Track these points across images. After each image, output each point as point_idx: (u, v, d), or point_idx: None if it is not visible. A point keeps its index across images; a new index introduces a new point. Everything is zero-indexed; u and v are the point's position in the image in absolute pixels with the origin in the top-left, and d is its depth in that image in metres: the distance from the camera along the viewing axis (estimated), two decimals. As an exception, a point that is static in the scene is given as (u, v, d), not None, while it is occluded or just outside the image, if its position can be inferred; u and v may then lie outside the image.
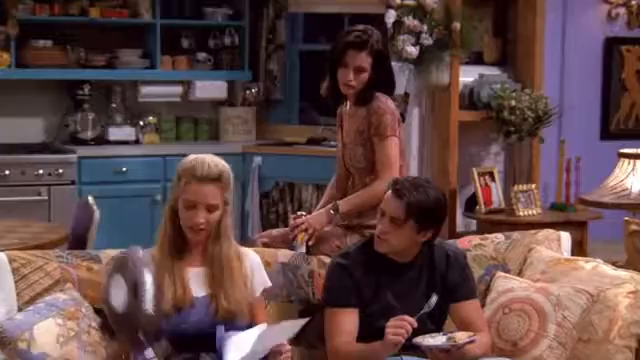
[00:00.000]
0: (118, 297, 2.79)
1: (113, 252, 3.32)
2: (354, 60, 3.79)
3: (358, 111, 3.87)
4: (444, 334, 3.12)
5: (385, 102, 3.82)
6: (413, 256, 3.26)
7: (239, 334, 2.97)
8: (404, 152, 3.96)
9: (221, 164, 3.04)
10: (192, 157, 3.05)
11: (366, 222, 3.76)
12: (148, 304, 2.77)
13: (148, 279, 2.80)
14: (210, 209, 2.99)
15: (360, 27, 3.87)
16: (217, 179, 2.99)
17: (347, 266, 3.22)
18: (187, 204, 2.98)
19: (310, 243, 3.73)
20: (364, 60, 3.79)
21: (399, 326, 2.99)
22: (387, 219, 3.19)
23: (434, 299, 3.18)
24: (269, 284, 3.21)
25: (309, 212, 3.96)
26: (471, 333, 3.13)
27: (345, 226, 3.83)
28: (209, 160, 3.02)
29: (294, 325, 2.95)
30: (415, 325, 3.00)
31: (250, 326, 3.03)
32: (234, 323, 3.01)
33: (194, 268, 3.06)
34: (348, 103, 3.96)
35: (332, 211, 3.80)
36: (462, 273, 3.32)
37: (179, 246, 3.05)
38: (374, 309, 3.21)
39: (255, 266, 3.17)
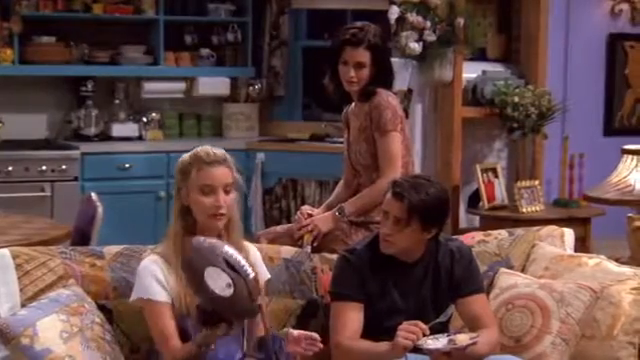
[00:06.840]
0: (220, 283, 2.71)
1: (116, 248, 3.32)
2: (353, 56, 3.80)
3: (362, 108, 3.88)
4: (447, 335, 3.09)
5: (386, 97, 3.83)
6: (419, 255, 3.25)
7: None
8: (410, 148, 3.95)
9: (220, 149, 3.09)
10: (190, 153, 3.07)
11: (373, 218, 3.76)
12: (248, 269, 2.74)
13: (228, 249, 2.76)
14: (226, 190, 3.03)
15: (357, 24, 3.89)
16: (225, 160, 3.06)
17: (354, 262, 3.23)
18: (205, 190, 3.00)
19: (315, 244, 3.75)
20: (362, 55, 3.80)
21: (411, 331, 2.97)
22: (390, 221, 3.17)
23: (450, 310, 3.17)
24: (268, 276, 3.22)
25: (318, 205, 3.97)
26: (474, 334, 3.10)
27: (351, 222, 3.83)
28: (208, 147, 3.08)
29: None
30: (427, 332, 2.98)
31: None
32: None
33: None
34: (353, 103, 3.96)
35: (338, 213, 3.81)
36: (468, 267, 3.30)
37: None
38: (379, 308, 3.21)
39: (257, 259, 3.18)
